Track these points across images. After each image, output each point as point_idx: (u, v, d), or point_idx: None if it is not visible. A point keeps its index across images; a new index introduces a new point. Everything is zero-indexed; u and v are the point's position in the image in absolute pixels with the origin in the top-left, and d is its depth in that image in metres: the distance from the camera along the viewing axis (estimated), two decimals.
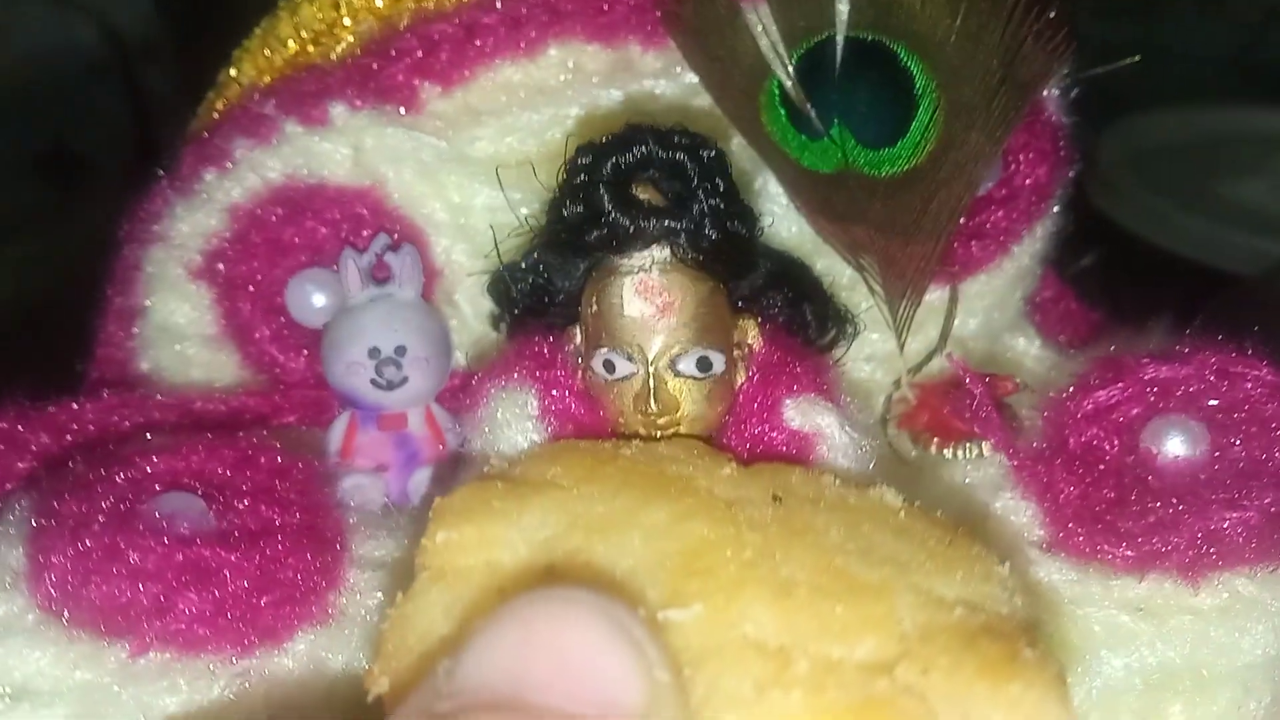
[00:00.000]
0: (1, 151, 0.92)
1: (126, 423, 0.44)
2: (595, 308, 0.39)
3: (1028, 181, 0.47)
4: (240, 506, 0.38)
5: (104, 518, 0.36)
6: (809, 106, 0.42)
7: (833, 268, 0.46)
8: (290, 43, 0.47)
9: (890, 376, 0.47)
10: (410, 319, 0.44)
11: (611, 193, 0.38)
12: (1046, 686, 0.28)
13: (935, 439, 0.44)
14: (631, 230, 0.38)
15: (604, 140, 0.39)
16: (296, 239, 0.46)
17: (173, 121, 0.50)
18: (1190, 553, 0.38)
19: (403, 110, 0.46)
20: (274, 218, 0.46)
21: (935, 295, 0.46)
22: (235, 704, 0.35)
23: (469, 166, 0.46)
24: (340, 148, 0.46)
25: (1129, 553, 0.38)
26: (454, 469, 0.43)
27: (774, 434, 0.39)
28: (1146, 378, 0.41)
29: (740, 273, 0.40)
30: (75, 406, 0.44)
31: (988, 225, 0.47)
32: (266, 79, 0.47)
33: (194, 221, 0.47)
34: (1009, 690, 0.28)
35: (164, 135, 0.49)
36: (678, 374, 0.39)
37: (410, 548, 0.39)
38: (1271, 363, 0.42)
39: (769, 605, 0.29)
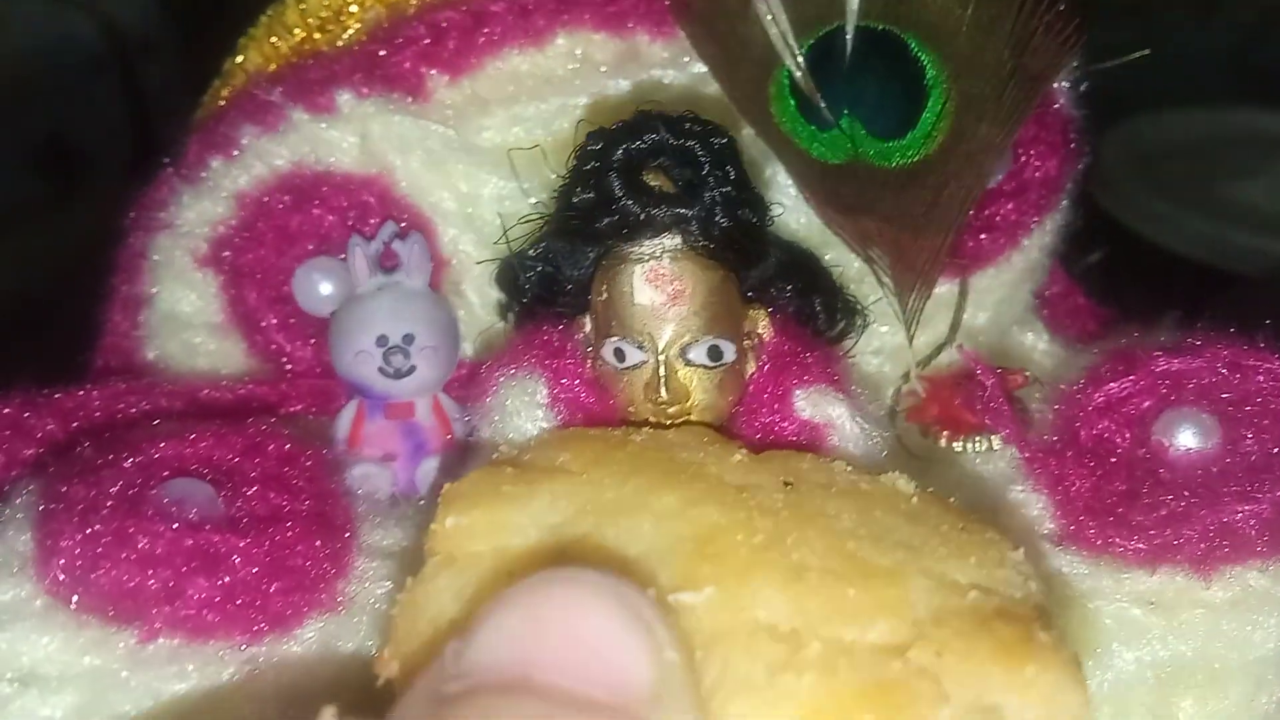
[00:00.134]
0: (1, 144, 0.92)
1: (133, 410, 0.43)
2: (605, 296, 0.39)
3: (1037, 174, 0.47)
4: (249, 493, 0.38)
5: (113, 502, 0.36)
6: (819, 97, 0.42)
7: (841, 259, 0.46)
8: (297, 30, 0.47)
9: (899, 370, 0.47)
10: (418, 307, 0.44)
11: (622, 179, 0.38)
12: (1061, 669, 0.28)
13: (945, 432, 0.44)
14: (642, 217, 0.38)
15: (615, 126, 0.39)
16: (303, 227, 0.46)
17: (171, 116, 0.50)
18: (1202, 546, 0.37)
19: (410, 98, 0.45)
20: (281, 205, 0.46)
21: (944, 288, 0.46)
22: (244, 690, 0.35)
23: (477, 155, 0.46)
24: (347, 135, 0.45)
25: (1140, 546, 0.38)
26: (462, 459, 0.42)
27: (784, 424, 0.39)
28: (1158, 370, 0.41)
29: (751, 261, 0.40)
30: (82, 393, 0.44)
31: (997, 218, 0.47)
32: (273, 66, 0.47)
33: (200, 209, 0.46)
34: (1024, 673, 0.27)
35: (163, 129, 0.49)
36: (688, 363, 0.39)
37: (418, 537, 0.39)
38: None
39: (781, 589, 0.29)
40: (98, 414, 0.43)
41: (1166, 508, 0.38)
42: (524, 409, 0.39)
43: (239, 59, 0.49)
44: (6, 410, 0.42)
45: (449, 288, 0.47)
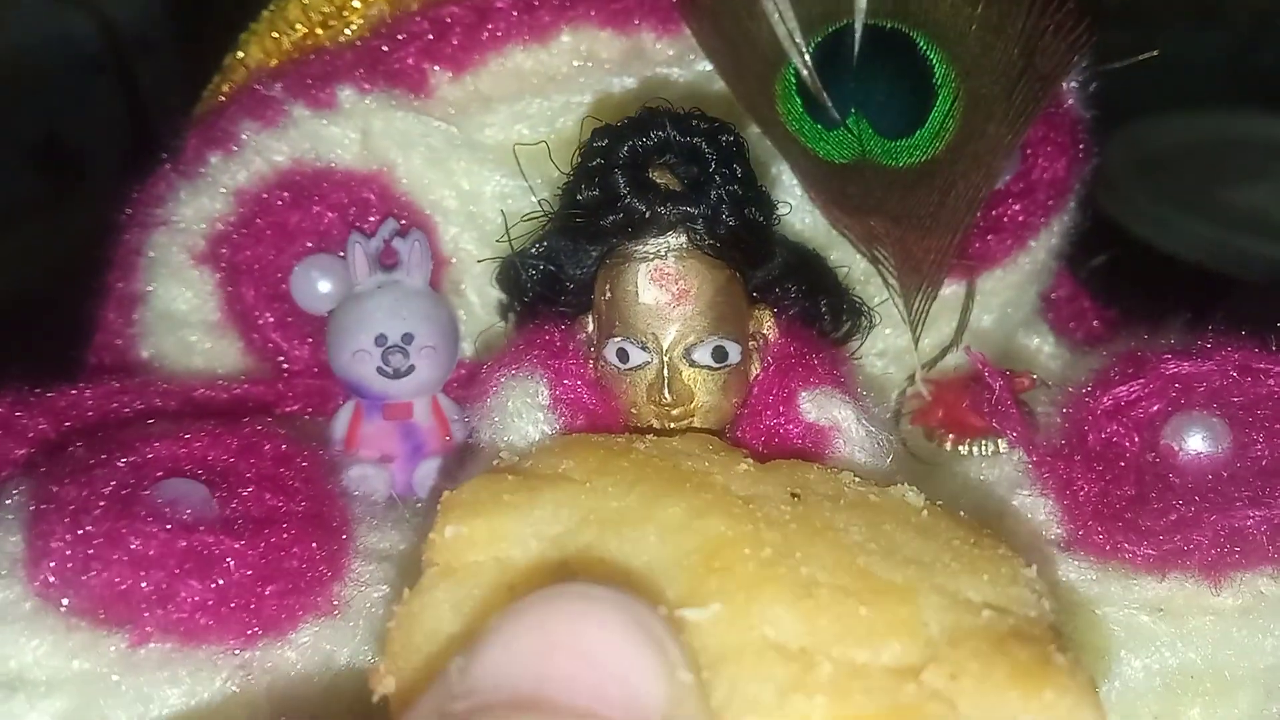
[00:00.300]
0: None
1: (127, 409, 0.43)
2: (609, 295, 0.39)
3: (1045, 175, 0.47)
4: (244, 494, 0.37)
5: (105, 503, 0.35)
6: (826, 95, 0.41)
7: (847, 260, 0.45)
8: (298, 25, 0.46)
9: (904, 372, 0.47)
10: (418, 306, 0.43)
11: (628, 176, 0.38)
12: (1080, 693, 0.27)
13: (950, 435, 0.44)
14: (647, 215, 0.38)
15: (620, 123, 0.39)
16: (302, 224, 0.45)
17: (169, 115, 0.49)
18: (1212, 552, 0.37)
19: (412, 95, 0.45)
20: (280, 202, 0.45)
21: (950, 290, 0.46)
22: (238, 697, 0.34)
23: (479, 153, 0.45)
24: (348, 132, 0.45)
25: (1149, 551, 0.38)
26: (461, 461, 0.42)
27: (790, 426, 0.39)
28: (1168, 373, 0.41)
29: (757, 261, 0.40)
30: (75, 392, 0.43)
31: (1005, 219, 0.46)
32: (274, 62, 0.47)
33: (198, 205, 0.46)
34: (1042, 697, 0.27)
35: (160, 128, 0.49)
36: (692, 364, 0.38)
37: (417, 541, 0.38)
38: None
39: (790, 606, 0.29)
40: (91, 413, 0.43)
41: (1176, 513, 0.38)
42: (525, 410, 0.39)
43: (240, 54, 0.48)
44: None
45: (449, 287, 0.46)
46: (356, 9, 0.46)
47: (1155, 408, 0.40)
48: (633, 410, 0.39)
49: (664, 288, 0.38)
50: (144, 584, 0.34)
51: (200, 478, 0.37)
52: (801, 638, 0.28)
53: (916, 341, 0.44)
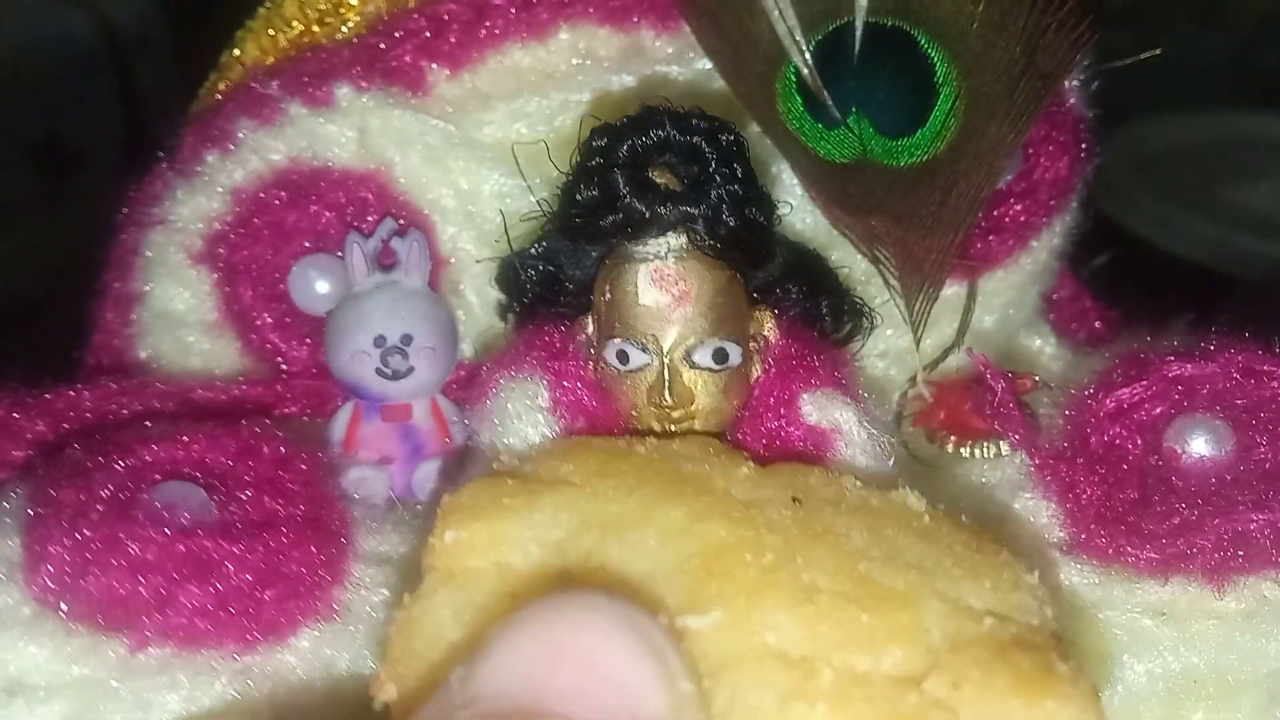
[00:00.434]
0: None
1: (125, 411, 0.43)
2: (609, 296, 0.39)
3: (1048, 175, 0.46)
4: (243, 497, 0.37)
5: (103, 507, 0.35)
6: (826, 94, 0.41)
7: (847, 260, 0.45)
8: (295, 22, 0.46)
9: (905, 373, 0.47)
10: (417, 307, 0.43)
11: (627, 176, 0.37)
12: (1082, 702, 0.27)
13: (952, 437, 0.44)
14: (647, 215, 0.37)
15: (620, 122, 0.39)
16: (300, 223, 0.45)
17: (166, 113, 0.49)
18: (1215, 555, 0.37)
19: (410, 93, 0.45)
20: (277, 201, 0.45)
21: (951, 290, 0.45)
22: (238, 702, 0.34)
23: (477, 151, 0.45)
24: (345, 130, 0.45)
25: (1152, 555, 0.37)
26: (461, 463, 0.42)
27: (791, 429, 0.39)
28: (1171, 375, 0.41)
29: (758, 262, 0.40)
30: (73, 394, 0.43)
31: (1006, 219, 0.46)
32: (270, 59, 0.46)
33: (195, 204, 0.46)
34: (1044, 706, 0.27)
35: (158, 127, 0.48)
36: (693, 366, 0.38)
37: (417, 544, 0.38)
38: None
39: (791, 612, 0.28)
40: (88, 415, 0.42)
41: (1179, 516, 0.37)
42: (525, 413, 0.38)
43: (236, 52, 0.48)
44: None
45: (448, 287, 0.46)
46: (353, 6, 0.46)
47: (1158, 410, 0.40)
48: (633, 412, 0.39)
49: (664, 289, 0.38)
50: (143, 589, 0.34)
51: (199, 480, 0.37)
52: (803, 644, 0.28)
53: (918, 342, 0.43)
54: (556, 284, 0.40)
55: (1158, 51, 0.45)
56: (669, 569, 0.30)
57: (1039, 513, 0.40)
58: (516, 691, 0.24)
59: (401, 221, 0.45)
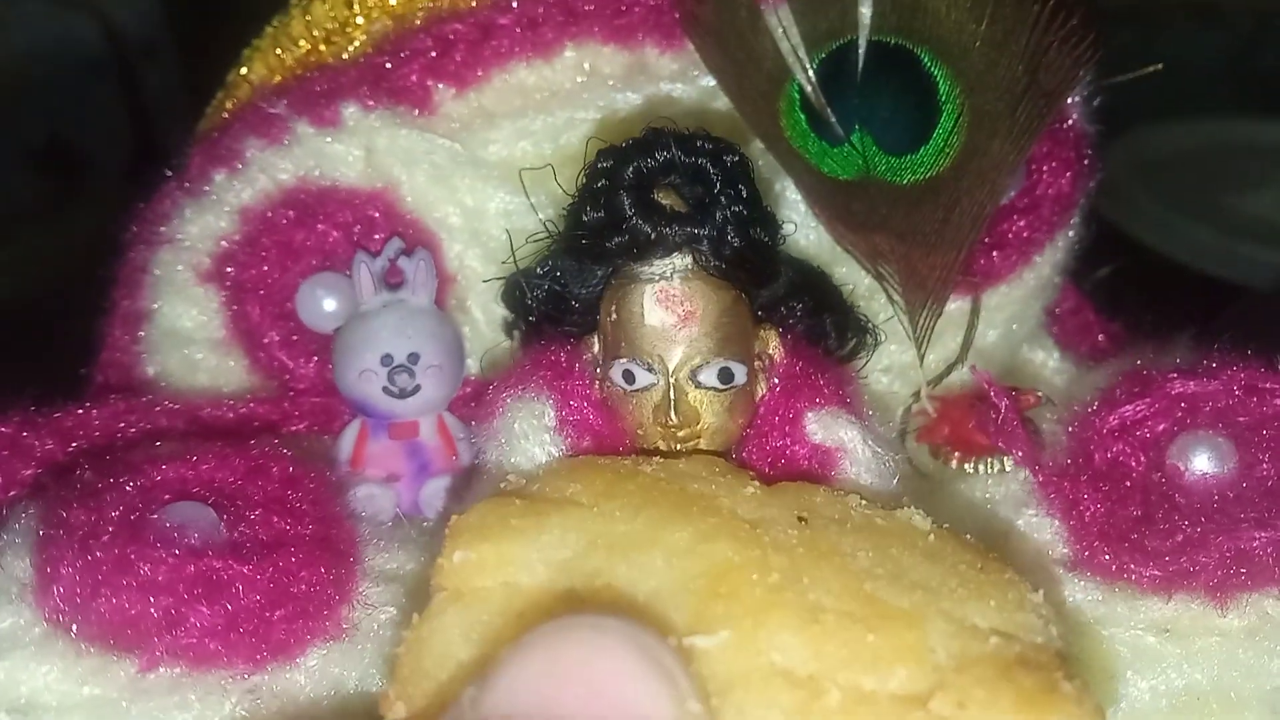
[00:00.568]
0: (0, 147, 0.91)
1: (133, 429, 0.43)
2: (614, 316, 0.39)
3: (1050, 191, 0.46)
4: (252, 517, 0.37)
5: (113, 528, 0.35)
6: (830, 111, 0.41)
7: (851, 277, 0.45)
8: (302, 42, 0.46)
9: (908, 389, 0.47)
10: (424, 325, 0.43)
11: (633, 198, 0.38)
12: None
13: (956, 453, 0.44)
14: (653, 237, 0.38)
15: (625, 144, 0.39)
16: (307, 242, 0.45)
17: (171, 119, 0.49)
18: (1219, 573, 0.37)
19: (416, 112, 0.45)
20: (285, 220, 0.45)
21: (954, 306, 0.46)
22: None
23: (483, 170, 0.45)
24: (352, 149, 0.45)
25: (1155, 572, 0.38)
26: (468, 481, 0.42)
27: (796, 447, 0.39)
28: (1174, 393, 0.41)
29: (762, 281, 0.40)
30: (81, 412, 0.43)
31: (1009, 235, 0.46)
32: (278, 79, 0.47)
33: (203, 223, 0.46)
34: None
35: (163, 133, 0.49)
36: (699, 385, 0.38)
37: (424, 561, 0.38)
38: None
39: (797, 632, 0.29)
40: (97, 433, 0.42)
41: (1182, 533, 0.38)
42: (531, 432, 0.39)
43: (243, 70, 0.48)
44: (4, 429, 0.42)
45: (454, 304, 0.46)
46: (360, 25, 0.46)
47: (1161, 427, 0.40)
48: (639, 431, 0.39)
49: (669, 309, 0.38)
50: (153, 609, 0.34)
51: (208, 500, 0.37)
52: (809, 664, 0.28)
53: (922, 358, 0.44)
54: (562, 303, 0.40)
55: (1159, 67, 0.45)
56: (675, 589, 0.30)
57: (1042, 529, 0.40)
58: (526, 713, 0.25)
59: (408, 240, 0.45)
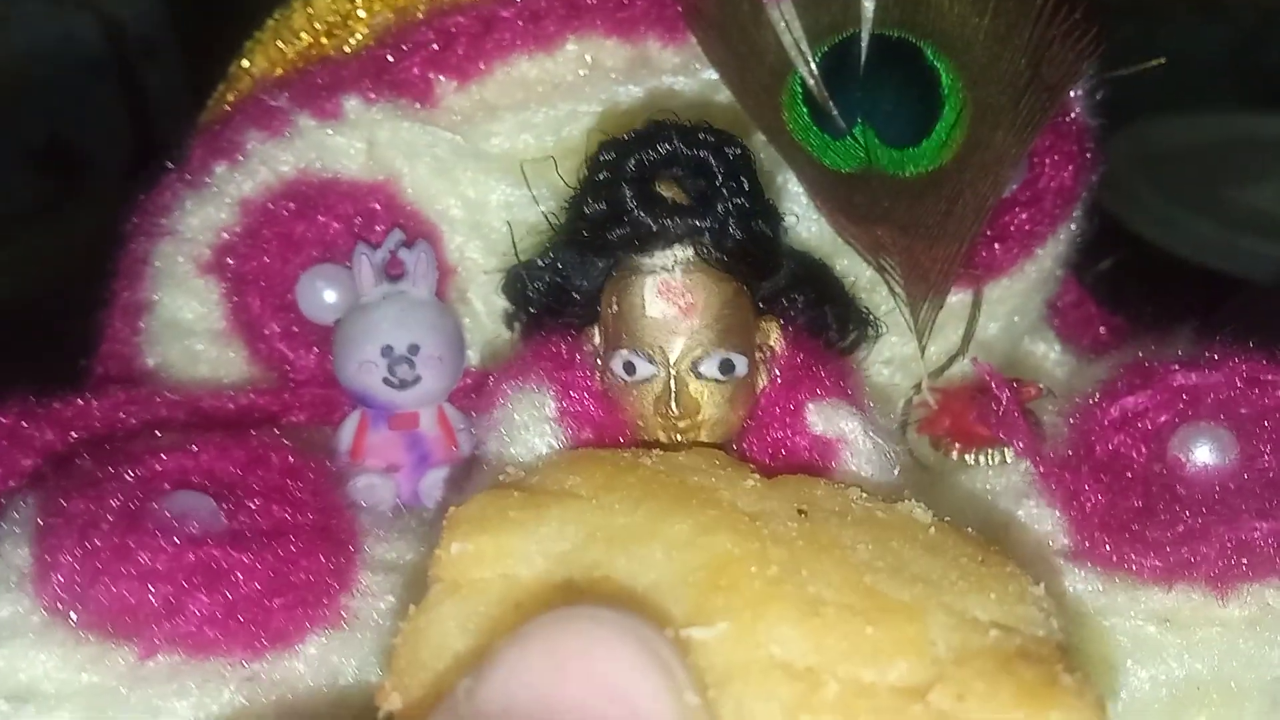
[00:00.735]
0: (0, 147, 0.91)
1: (133, 420, 0.43)
2: (616, 308, 0.39)
3: (1052, 184, 0.46)
4: (252, 506, 0.37)
5: (113, 516, 0.35)
6: (832, 105, 0.41)
7: (852, 269, 0.45)
8: (304, 34, 0.46)
9: (909, 380, 0.47)
10: (424, 317, 0.43)
11: (634, 190, 0.38)
12: (1088, 714, 0.27)
13: (957, 445, 0.44)
14: (654, 229, 0.38)
15: (627, 136, 0.39)
16: (308, 234, 0.45)
17: (172, 117, 0.49)
18: (1219, 563, 0.37)
19: (418, 104, 0.45)
20: (285, 212, 0.45)
21: (956, 299, 0.45)
22: (246, 709, 0.34)
23: (484, 162, 0.45)
24: (354, 141, 0.45)
25: (1156, 563, 0.38)
26: (468, 472, 0.42)
27: (797, 439, 0.39)
28: (1175, 384, 0.41)
29: (764, 273, 0.40)
30: (81, 402, 0.43)
31: (1011, 227, 0.46)
32: (279, 71, 0.46)
33: (204, 215, 0.46)
34: (1049, 718, 0.27)
35: (164, 131, 0.49)
36: (699, 377, 0.38)
37: (424, 551, 0.38)
38: None
39: (796, 624, 0.29)
40: (97, 424, 0.43)
41: (1183, 524, 0.38)
42: (532, 423, 0.39)
43: (244, 63, 0.48)
44: (4, 420, 0.42)
45: (455, 296, 0.46)
46: (361, 19, 0.46)
47: (1163, 419, 0.40)
48: (639, 423, 0.39)
49: (671, 301, 0.38)
50: (152, 598, 0.34)
51: (208, 490, 0.37)
52: (808, 656, 0.28)
53: (923, 350, 0.43)
54: (563, 294, 0.40)
55: (1162, 60, 0.45)
56: (675, 581, 0.30)
57: (1043, 520, 0.40)
58: (523, 705, 0.24)
59: (409, 232, 0.45)
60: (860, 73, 0.41)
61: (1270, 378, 0.40)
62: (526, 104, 0.45)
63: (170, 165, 0.47)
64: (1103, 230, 0.51)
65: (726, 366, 0.38)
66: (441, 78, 0.45)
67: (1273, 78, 1.05)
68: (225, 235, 0.46)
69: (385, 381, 0.43)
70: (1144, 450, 0.40)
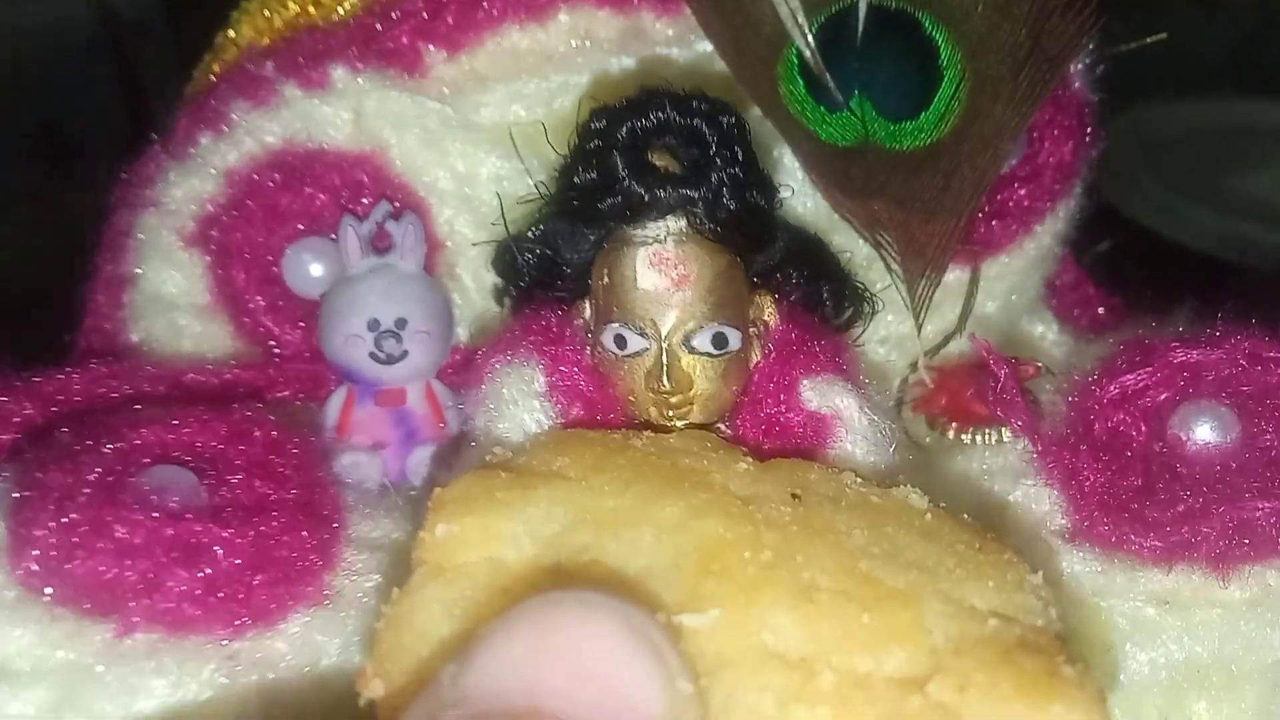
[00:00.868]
0: None
1: (115, 394, 0.42)
2: (606, 280, 0.38)
3: (1052, 159, 0.46)
4: (233, 481, 0.36)
5: (90, 490, 0.35)
6: (828, 76, 0.40)
7: (848, 244, 0.44)
8: (291, 3, 0.46)
9: (906, 359, 0.46)
10: (412, 290, 0.43)
11: (626, 159, 0.37)
12: (1089, 705, 0.27)
13: (954, 423, 0.43)
14: (646, 199, 0.37)
15: (619, 104, 0.38)
16: (294, 205, 0.45)
17: (165, 98, 0.48)
18: (1220, 544, 0.36)
19: (406, 74, 0.44)
20: (271, 183, 0.44)
21: (953, 276, 0.45)
22: (227, 688, 0.34)
23: (474, 134, 0.44)
24: (341, 112, 0.44)
25: (1156, 543, 0.37)
26: (455, 449, 0.41)
27: (791, 415, 0.38)
28: (1176, 362, 0.40)
29: (758, 245, 0.39)
30: (62, 377, 0.42)
31: (1010, 204, 0.46)
32: (266, 40, 0.46)
33: (188, 186, 0.45)
34: (1050, 711, 0.26)
35: (157, 111, 0.48)
36: (692, 351, 0.37)
37: (409, 530, 0.38)
38: None
39: (790, 611, 0.28)
40: (78, 398, 0.42)
41: (1183, 504, 0.37)
42: (520, 398, 0.38)
43: (231, 33, 0.47)
44: None
45: (444, 270, 0.45)
46: None
47: (1163, 396, 0.40)
48: (630, 398, 0.38)
49: (663, 273, 0.37)
50: (130, 573, 0.33)
51: (189, 464, 0.37)
52: (802, 645, 0.28)
53: (920, 328, 0.43)
54: (554, 268, 0.40)
55: (1163, 36, 0.44)
56: (666, 566, 0.29)
57: (1041, 500, 0.39)
58: (509, 691, 0.24)
59: (397, 204, 0.45)
60: (857, 44, 0.40)
61: (1272, 355, 0.40)
62: (517, 75, 0.44)
63: (155, 137, 0.46)
64: (1101, 214, 0.50)
65: (720, 340, 0.37)
66: (431, 47, 0.44)
67: (1273, 65, 1.05)
68: (209, 207, 0.45)
69: (371, 356, 0.42)
70: (1144, 429, 0.39)
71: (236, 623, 0.34)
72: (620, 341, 0.38)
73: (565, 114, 0.43)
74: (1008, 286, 0.47)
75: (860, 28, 0.40)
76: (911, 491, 0.33)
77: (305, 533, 0.36)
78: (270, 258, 0.45)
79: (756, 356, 0.39)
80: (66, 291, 0.49)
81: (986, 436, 0.42)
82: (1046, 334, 0.50)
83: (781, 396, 0.38)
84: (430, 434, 0.43)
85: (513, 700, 0.24)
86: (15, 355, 0.42)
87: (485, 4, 0.44)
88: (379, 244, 0.44)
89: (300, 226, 0.45)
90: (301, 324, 0.45)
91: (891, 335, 0.46)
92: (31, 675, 0.33)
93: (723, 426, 0.39)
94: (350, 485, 0.40)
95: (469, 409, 0.40)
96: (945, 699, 0.27)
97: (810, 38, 0.41)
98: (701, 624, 0.28)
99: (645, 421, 0.38)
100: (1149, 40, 0.45)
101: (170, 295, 0.46)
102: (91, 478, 0.35)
